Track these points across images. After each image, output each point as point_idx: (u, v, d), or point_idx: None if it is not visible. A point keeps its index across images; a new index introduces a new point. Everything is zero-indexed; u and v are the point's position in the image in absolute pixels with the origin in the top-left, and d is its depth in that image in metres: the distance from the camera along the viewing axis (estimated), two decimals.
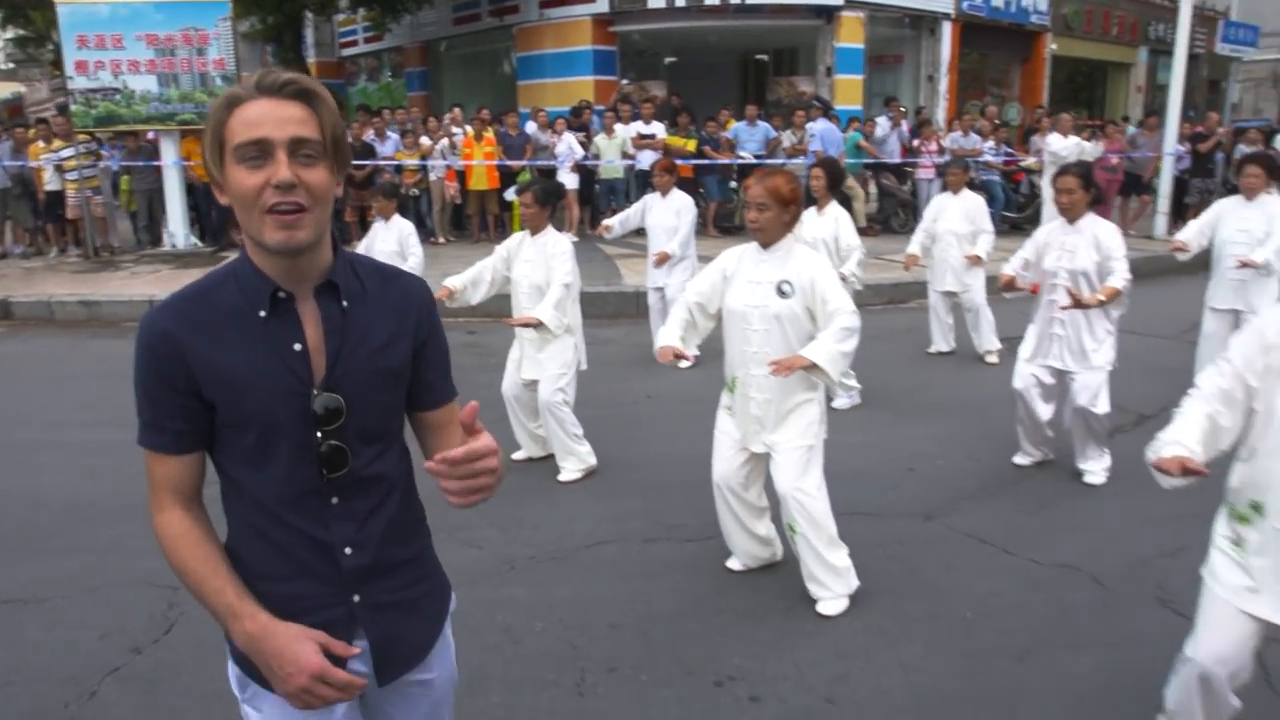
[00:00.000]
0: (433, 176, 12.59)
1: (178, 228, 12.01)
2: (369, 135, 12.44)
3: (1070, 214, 4.84)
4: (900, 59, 19.20)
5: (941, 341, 7.71)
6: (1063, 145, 12.00)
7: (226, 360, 1.49)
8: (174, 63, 11.26)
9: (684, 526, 4.41)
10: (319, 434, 1.53)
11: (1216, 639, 2.48)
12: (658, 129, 12.95)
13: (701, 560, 4.12)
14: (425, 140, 12.60)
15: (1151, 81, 23.17)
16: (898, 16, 18.02)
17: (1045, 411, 5.04)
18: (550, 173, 12.23)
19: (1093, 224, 4.84)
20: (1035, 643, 3.48)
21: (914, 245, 7.51)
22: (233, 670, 1.65)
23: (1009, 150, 13.84)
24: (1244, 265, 5.62)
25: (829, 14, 16.77)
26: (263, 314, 1.51)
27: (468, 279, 5.07)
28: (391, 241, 6.77)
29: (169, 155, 11.66)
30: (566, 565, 4.12)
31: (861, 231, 12.61)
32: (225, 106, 1.46)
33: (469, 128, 12.65)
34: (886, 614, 3.68)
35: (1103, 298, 4.59)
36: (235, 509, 1.60)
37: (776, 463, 3.63)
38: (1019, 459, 5.25)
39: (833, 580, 3.67)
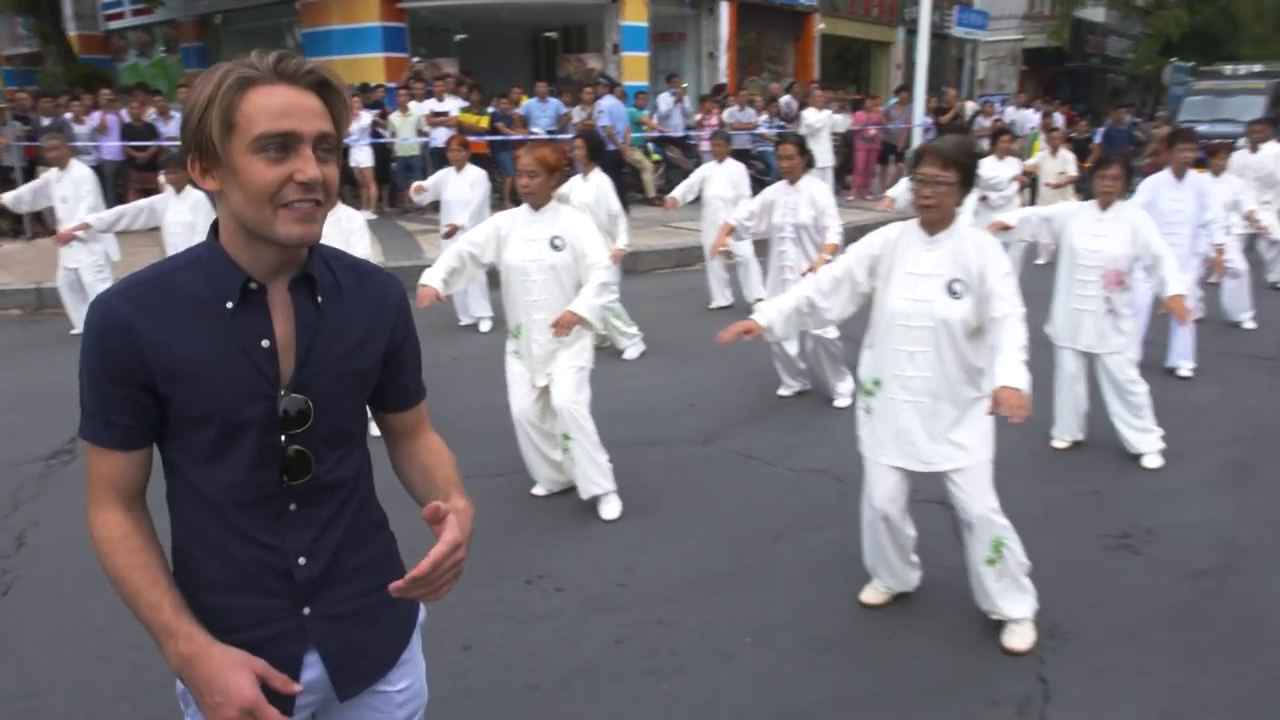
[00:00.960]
0: None
1: None
2: (151, 115, 12.04)
3: (791, 176, 5.75)
4: (683, 37, 20.14)
5: (720, 297, 8.56)
6: (816, 118, 13.20)
7: (187, 353, 1.38)
8: None
9: (493, 465, 4.94)
10: (283, 437, 1.45)
11: (879, 487, 3.30)
12: (451, 106, 13.22)
13: (509, 491, 4.68)
14: None
15: (909, 59, 25.25)
16: None
17: (793, 347, 5.93)
18: (345, 151, 12.26)
19: (810, 184, 5.76)
20: (786, 529, 4.28)
21: (676, 191, 8.22)
22: (179, 682, 1.52)
23: (782, 123, 15.03)
24: None
25: None
26: (230, 305, 1.40)
27: None
28: (185, 213, 6.61)
29: None
30: (386, 503, 4.53)
31: (650, 201, 13.53)
32: (236, 87, 1.33)
33: None
34: (667, 519, 4.39)
35: (828, 256, 5.49)
36: (183, 511, 1.49)
37: (555, 382, 4.25)
38: (782, 390, 6.13)
39: (601, 477, 4.35)
